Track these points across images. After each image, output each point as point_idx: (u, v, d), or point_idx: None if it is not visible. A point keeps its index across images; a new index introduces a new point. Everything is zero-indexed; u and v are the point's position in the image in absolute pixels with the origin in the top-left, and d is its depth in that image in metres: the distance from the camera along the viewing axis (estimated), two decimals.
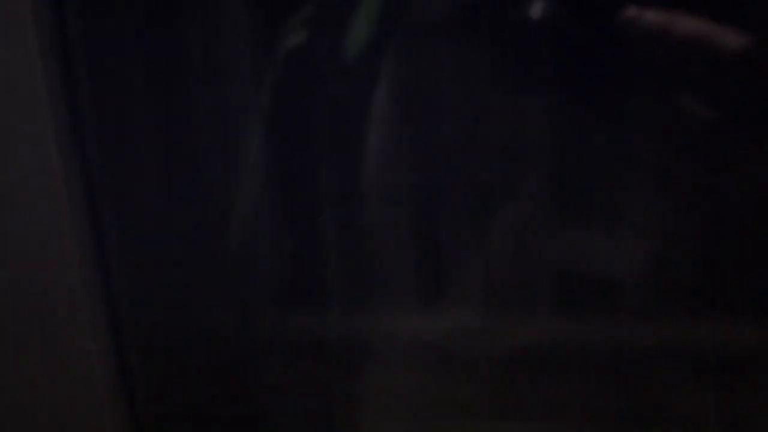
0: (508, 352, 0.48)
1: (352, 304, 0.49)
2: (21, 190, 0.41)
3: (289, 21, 0.45)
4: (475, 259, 0.48)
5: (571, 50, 0.42)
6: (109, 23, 0.43)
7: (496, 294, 0.48)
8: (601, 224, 0.45)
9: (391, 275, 0.49)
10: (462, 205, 0.47)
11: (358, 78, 0.45)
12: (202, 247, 0.48)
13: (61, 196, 0.41)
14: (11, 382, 0.45)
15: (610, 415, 0.48)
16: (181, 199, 0.47)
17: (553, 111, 0.43)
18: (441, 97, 0.45)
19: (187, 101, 0.46)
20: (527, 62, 0.42)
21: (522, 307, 0.48)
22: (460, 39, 0.43)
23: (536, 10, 0.41)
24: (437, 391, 0.50)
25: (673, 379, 0.47)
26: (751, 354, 0.46)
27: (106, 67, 0.43)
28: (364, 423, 0.51)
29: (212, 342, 0.50)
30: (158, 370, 0.48)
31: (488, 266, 0.48)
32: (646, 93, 0.42)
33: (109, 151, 0.44)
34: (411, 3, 0.44)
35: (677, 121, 0.42)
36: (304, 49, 0.45)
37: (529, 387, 0.49)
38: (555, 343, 0.47)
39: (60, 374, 0.44)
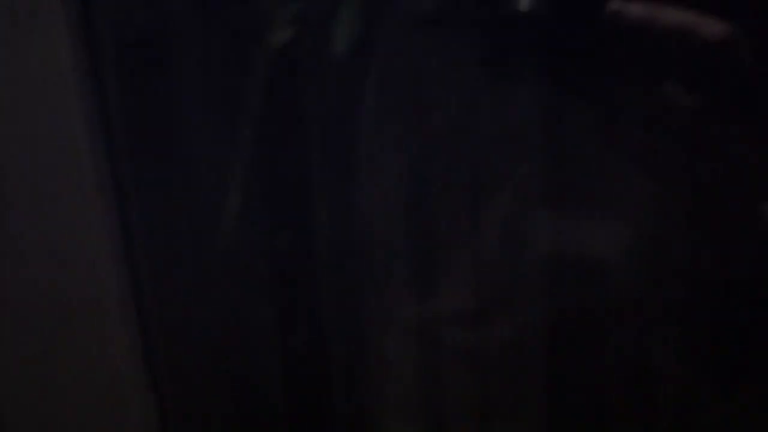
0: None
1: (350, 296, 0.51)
2: (51, 187, 0.43)
3: (277, 18, 0.46)
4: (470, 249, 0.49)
5: (558, 42, 0.43)
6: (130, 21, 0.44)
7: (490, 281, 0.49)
8: (593, 212, 0.47)
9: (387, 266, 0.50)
10: (455, 198, 0.48)
11: (347, 73, 0.46)
12: (227, 246, 0.49)
13: (90, 191, 0.43)
14: (40, 378, 0.46)
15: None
16: (207, 198, 0.49)
17: (541, 103, 0.45)
18: (429, 91, 0.46)
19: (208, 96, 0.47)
20: (515, 54, 0.43)
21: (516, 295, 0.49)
22: (447, 33, 0.44)
23: (524, 4, 0.43)
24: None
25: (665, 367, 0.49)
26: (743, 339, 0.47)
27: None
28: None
29: (239, 341, 0.51)
30: (185, 368, 0.50)
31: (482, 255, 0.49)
32: (633, 83, 0.43)
33: (137, 146, 0.45)
34: None
35: (663, 110, 0.44)
36: (293, 45, 0.46)
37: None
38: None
39: (88, 370, 0.46)
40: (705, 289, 0.46)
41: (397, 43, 0.45)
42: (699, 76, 0.43)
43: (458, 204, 0.48)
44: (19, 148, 0.42)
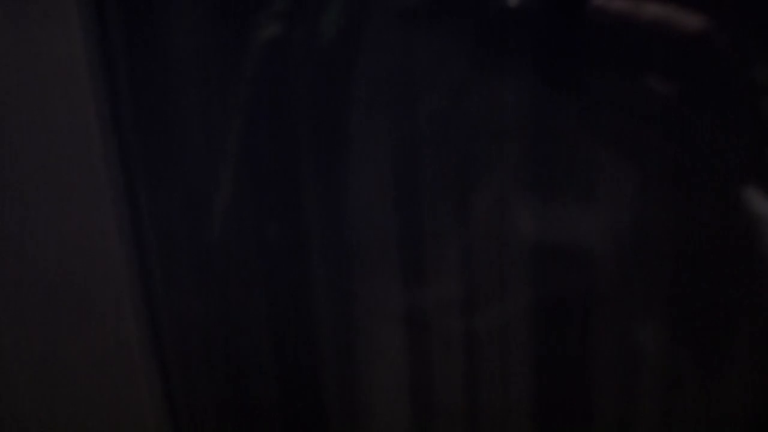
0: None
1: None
2: (63, 178, 0.43)
3: (264, 12, 0.46)
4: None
5: (544, 36, 0.45)
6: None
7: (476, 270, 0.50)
8: (580, 199, 0.48)
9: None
10: (443, 189, 0.49)
11: (334, 65, 0.47)
12: (228, 237, 0.50)
13: (100, 179, 0.43)
14: (49, 366, 0.47)
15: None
16: (215, 189, 0.49)
17: (527, 94, 0.46)
18: (417, 83, 0.47)
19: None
20: (501, 47, 0.45)
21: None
22: (435, 24, 0.45)
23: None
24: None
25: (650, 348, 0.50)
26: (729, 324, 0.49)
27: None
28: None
29: (247, 329, 0.52)
30: (192, 354, 0.51)
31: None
32: (616, 74, 0.45)
33: (146, 135, 0.46)
34: None
35: (646, 99, 0.45)
36: (280, 39, 0.46)
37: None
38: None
39: (96, 357, 0.46)
40: (688, 273, 0.48)
41: (386, 35, 0.46)
42: (678, 66, 0.45)
43: (447, 193, 0.49)
44: (28, 134, 0.43)
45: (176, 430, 0.51)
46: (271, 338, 0.53)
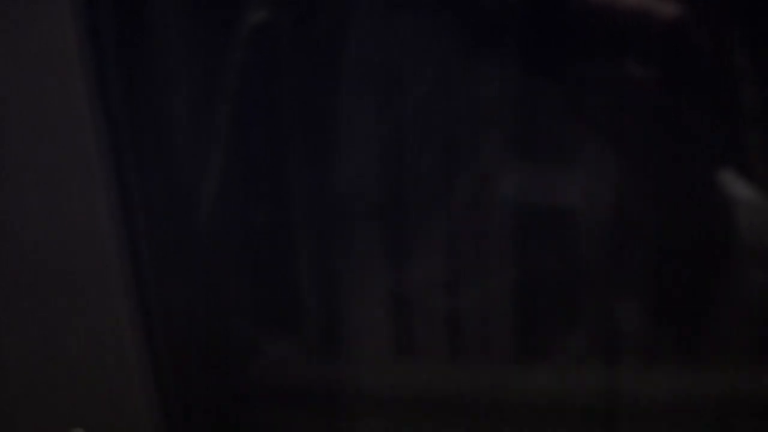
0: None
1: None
2: (55, 170, 0.43)
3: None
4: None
5: (530, 22, 0.46)
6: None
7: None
8: (562, 178, 0.49)
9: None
10: (428, 170, 0.49)
11: (321, 48, 0.48)
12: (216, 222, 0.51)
13: (94, 174, 0.43)
14: (44, 354, 0.47)
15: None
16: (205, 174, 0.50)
17: (514, 79, 0.47)
18: (406, 67, 0.47)
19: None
20: (487, 33, 0.46)
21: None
22: (422, 10, 0.46)
23: None
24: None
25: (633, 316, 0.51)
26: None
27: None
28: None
29: (238, 316, 0.53)
30: (184, 349, 0.51)
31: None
32: (597, 58, 0.47)
33: (137, 121, 0.46)
34: None
35: (625, 82, 0.46)
36: (268, 25, 0.47)
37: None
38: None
39: (89, 342, 0.46)
40: (669, 256, 0.50)
41: (372, 19, 0.47)
42: (657, 53, 0.46)
43: (431, 172, 0.50)
44: (21, 128, 0.43)
45: (168, 423, 0.51)
46: (261, 323, 0.53)
